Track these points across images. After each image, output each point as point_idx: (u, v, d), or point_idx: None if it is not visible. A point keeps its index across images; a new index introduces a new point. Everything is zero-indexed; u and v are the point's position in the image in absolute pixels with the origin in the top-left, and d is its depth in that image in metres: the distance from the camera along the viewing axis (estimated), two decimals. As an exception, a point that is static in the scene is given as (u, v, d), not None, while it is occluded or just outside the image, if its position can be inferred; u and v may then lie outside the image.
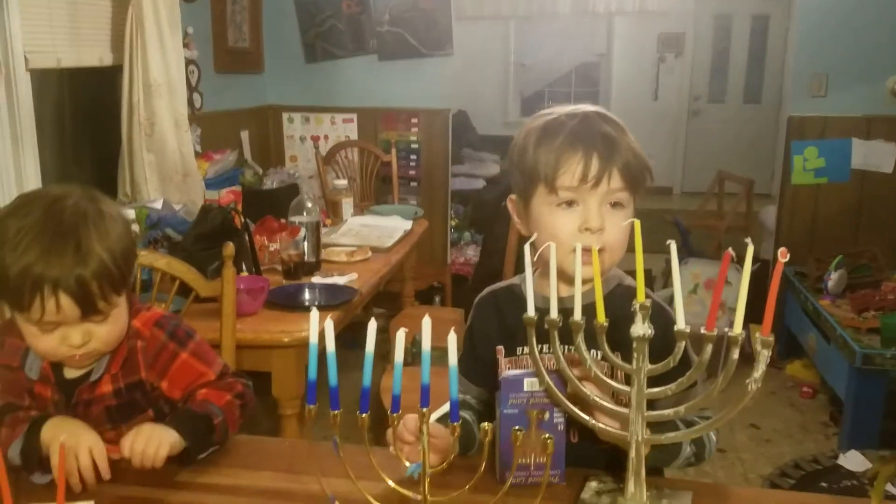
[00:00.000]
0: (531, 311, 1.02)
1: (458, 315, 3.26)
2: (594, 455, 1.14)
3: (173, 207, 2.89)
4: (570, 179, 1.11)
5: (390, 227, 3.24)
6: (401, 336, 0.86)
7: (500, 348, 1.22)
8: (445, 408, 1.14)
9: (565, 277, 1.10)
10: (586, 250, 1.07)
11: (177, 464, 1.13)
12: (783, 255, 0.90)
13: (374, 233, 3.15)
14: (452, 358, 0.86)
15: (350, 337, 1.89)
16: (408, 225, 3.29)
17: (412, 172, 4.57)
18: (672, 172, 8.35)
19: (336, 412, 0.91)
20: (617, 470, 1.12)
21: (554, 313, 1.00)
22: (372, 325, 0.90)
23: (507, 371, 1.12)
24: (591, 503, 1.02)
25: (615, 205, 1.13)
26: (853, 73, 3.97)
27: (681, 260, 4.20)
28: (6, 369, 1.23)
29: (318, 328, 0.90)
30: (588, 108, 1.18)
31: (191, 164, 3.30)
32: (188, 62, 3.48)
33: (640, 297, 0.96)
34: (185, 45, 3.40)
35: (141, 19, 3.05)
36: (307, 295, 2.44)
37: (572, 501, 1.04)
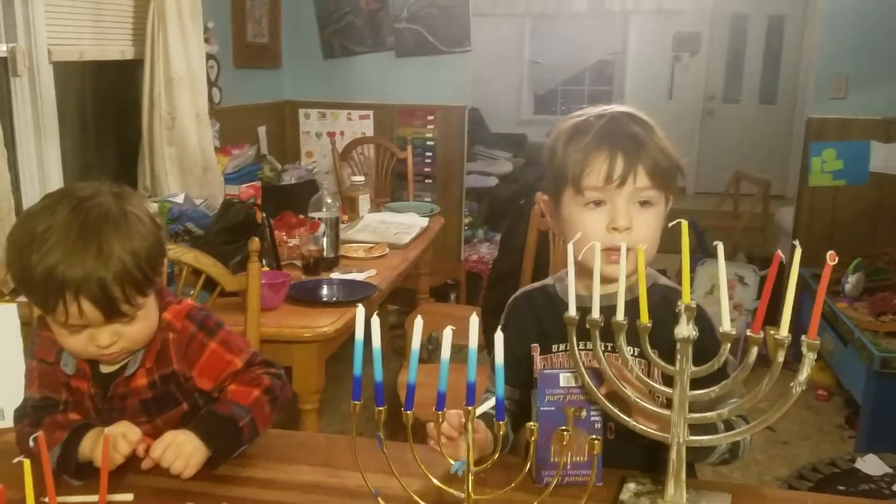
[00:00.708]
0: (572, 311, 1.02)
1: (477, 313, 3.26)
2: (630, 454, 1.14)
3: (194, 202, 2.90)
4: (596, 179, 1.12)
5: (407, 223, 3.25)
6: (448, 334, 0.86)
7: (536, 346, 1.22)
8: (487, 404, 1.14)
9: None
10: (613, 249, 1.08)
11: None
12: (832, 259, 0.90)
13: (391, 229, 3.15)
14: (499, 356, 0.86)
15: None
16: (424, 222, 3.30)
17: (427, 169, 4.57)
18: (686, 172, 8.26)
19: (381, 408, 0.91)
20: (653, 469, 1.12)
21: (596, 313, 1.00)
22: (418, 323, 0.90)
23: (540, 369, 1.12)
24: (630, 504, 1.02)
25: (644, 203, 1.14)
26: (873, 75, 3.95)
27: (697, 260, 4.19)
28: (43, 363, 1.24)
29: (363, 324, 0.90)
30: (617, 108, 1.19)
31: (211, 158, 3.31)
32: (208, 57, 3.49)
33: (686, 298, 0.96)
34: (206, 40, 3.41)
35: (163, 13, 3.05)
36: (327, 290, 2.44)
37: (610, 503, 1.03)
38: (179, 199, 2.81)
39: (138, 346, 1.18)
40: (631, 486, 1.06)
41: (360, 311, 0.90)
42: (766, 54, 8.11)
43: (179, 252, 1.94)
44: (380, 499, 0.94)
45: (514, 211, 4.09)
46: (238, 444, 1.17)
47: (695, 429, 1.04)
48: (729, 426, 1.08)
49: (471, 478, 0.89)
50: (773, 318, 0.95)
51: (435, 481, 0.92)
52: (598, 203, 1.14)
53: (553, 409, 1.04)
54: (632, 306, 0.99)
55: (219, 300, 1.94)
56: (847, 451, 3.17)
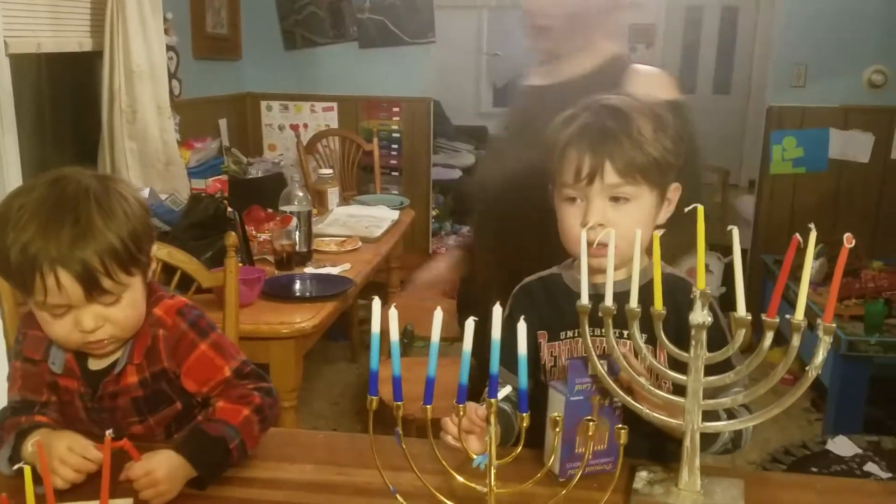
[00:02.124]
0: (584, 300, 1.00)
1: (451, 305, 3.23)
2: (636, 442, 1.13)
3: (159, 197, 2.83)
4: (568, 176, 1.14)
5: (378, 216, 3.22)
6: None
7: (543, 333, 1.21)
8: (505, 391, 1.12)
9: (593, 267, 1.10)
10: (592, 244, 1.08)
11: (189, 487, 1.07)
12: (849, 241, 0.90)
13: (361, 223, 3.12)
14: (522, 347, 0.84)
15: (336, 330, 1.86)
16: (395, 215, 3.27)
17: (393, 162, 4.53)
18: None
19: (399, 403, 0.88)
20: (656, 457, 1.11)
21: (609, 300, 0.99)
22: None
23: (568, 358, 1.10)
24: (644, 493, 1.01)
25: (618, 199, 1.13)
26: (831, 64, 4.03)
27: (662, 249, 4.23)
28: (28, 363, 1.19)
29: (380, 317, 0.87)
30: (606, 100, 1.18)
31: (173, 152, 3.22)
32: (167, 48, 3.39)
33: (700, 284, 0.95)
34: (165, 31, 3.31)
35: (122, 3, 2.96)
36: (301, 285, 2.40)
37: (623, 492, 1.02)
38: (144, 193, 2.73)
39: (125, 333, 1.13)
40: (643, 475, 1.05)
41: (376, 303, 0.87)
42: (720, 45, 8.24)
43: (154, 248, 1.88)
44: (398, 496, 0.91)
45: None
46: (226, 467, 1.11)
47: (703, 417, 1.04)
48: (731, 415, 1.08)
49: (493, 471, 0.87)
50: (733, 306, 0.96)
51: (459, 478, 0.90)
52: (573, 199, 1.16)
53: (582, 398, 1.03)
54: (643, 293, 0.99)
55: (192, 297, 1.89)
56: (815, 434, 3.23)
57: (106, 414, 1.17)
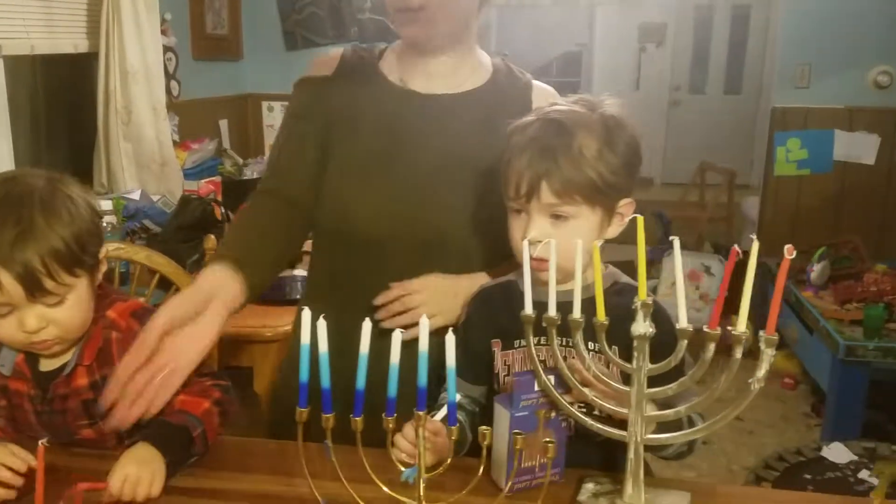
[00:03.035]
0: (528, 309, 0.99)
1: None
2: (589, 452, 1.12)
3: (151, 198, 2.84)
4: (511, 190, 1.13)
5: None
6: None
7: (497, 341, 1.19)
8: (444, 410, 1.11)
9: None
10: (535, 258, 1.07)
11: None
12: (790, 252, 0.88)
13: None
14: (451, 359, 0.83)
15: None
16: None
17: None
18: (652, 163, 8.35)
19: (329, 416, 0.87)
20: (613, 467, 1.10)
21: (552, 311, 0.98)
22: (367, 326, 0.86)
23: (515, 373, 1.09)
24: (589, 505, 1.00)
25: (558, 217, 1.11)
26: (836, 65, 3.97)
27: (662, 252, 4.20)
28: None
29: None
30: (555, 111, 1.15)
31: (169, 153, 3.24)
32: (166, 49, 3.41)
33: (642, 294, 0.93)
34: (163, 32, 3.33)
35: (117, 5, 2.98)
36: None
37: (569, 503, 1.01)
38: (135, 195, 2.75)
39: (70, 334, 1.13)
40: (589, 487, 1.04)
41: (306, 313, 0.86)
42: (731, 44, 8.18)
43: (132, 251, 1.89)
44: (329, 508, 0.91)
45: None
46: (189, 456, 1.12)
47: (657, 426, 1.02)
48: (689, 422, 1.06)
49: (422, 484, 0.86)
50: (739, 308, 0.92)
51: (385, 489, 0.89)
52: (518, 211, 1.14)
53: (526, 413, 1.02)
54: (593, 304, 0.97)
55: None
56: (813, 440, 3.20)
57: (56, 416, 1.16)
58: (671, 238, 0.93)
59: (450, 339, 0.83)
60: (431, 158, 1.31)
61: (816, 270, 3.64)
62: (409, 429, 1.02)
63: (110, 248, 2.05)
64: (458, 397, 1.20)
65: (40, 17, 2.86)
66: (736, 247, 0.91)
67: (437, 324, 1.19)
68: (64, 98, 3.20)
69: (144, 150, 3.13)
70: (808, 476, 2.68)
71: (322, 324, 0.86)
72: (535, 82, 1.42)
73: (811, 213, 4.15)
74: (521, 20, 7.91)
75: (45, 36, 2.88)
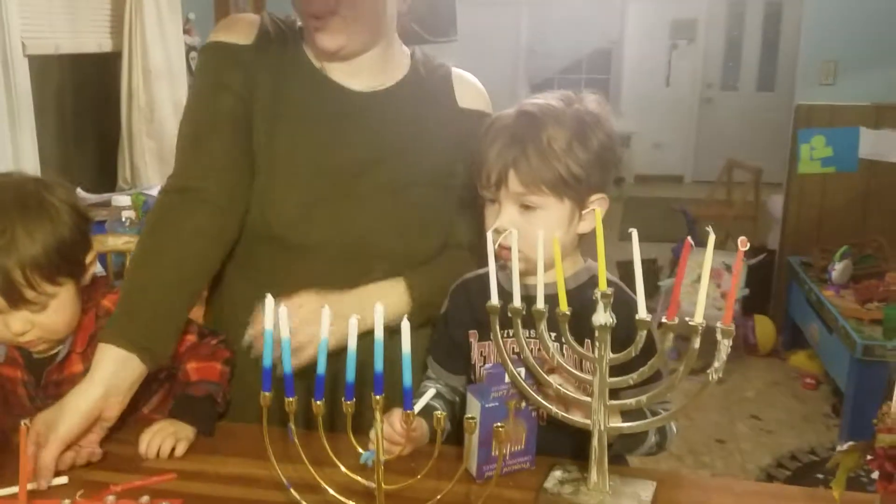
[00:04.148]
0: (494, 300, 1.01)
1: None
2: (563, 441, 1.13)
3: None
4: (482, 178, 1.14)
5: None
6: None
7: (474, 332, 1.21)
8: (426, 397, 1.14)
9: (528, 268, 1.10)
10: (504, 247, 1.08)
11: None
12: (743, 245, 0.89)
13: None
14: (406, 345, 0.85)
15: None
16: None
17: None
18: (683, 160, 8.29)
19: (291, 399, 0.90)
20: (584, 457, 1.11)
21: (517, 301, 1.00)
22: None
23: (487, 366, 1.11)
24: (553, 492, 1.02)
25: (527, 207, 1.12)
26: (862, 61, 3.92)
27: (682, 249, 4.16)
28: None
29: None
30: (529, 103, 1.16)
31: (191, 150, 3.30)
32: (189, 48, 3.48)
33: (602, 285, 0.95)
34: (186, 32, 3.41)
35: (140, 5, 3.05)
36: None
37: (536, 490, 1.03)
38: (154, 191, 2.81)
39: (55, 335, 1.17)
40: (557, 474, 1.06)
41: (269, 299, 0.90)
42: (763, 41, 8.06)
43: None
44: (292, 490, 0.94)
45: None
46: (218, 417, 1.21)
47: (626, 417, 1.04)
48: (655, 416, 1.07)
49: (381, 468, 0.89)
50: (762, 307, 0.91)
51: (343, 469, 0.92)
52: (491, 201, 1.16)
53: (497, 404, 1.04)
54: (571, 297, 0.99)
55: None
56: (832, 440, 3.16)
57: (51, 401, 1.20)
58: (630, 231, 0.94)
59: (405, 326, 0.85)
60: (356, 156, 1.25)
61: (838, 269, 3.60)
62: (393, 420, 1.05)
63: (127, 241, 2.12)
64: (436, 386, 1.23)
65: (65, 17, 2.94)
66: (689, 239, 0.91)
67: (311, 353, 1.09)
68: (88, 96, 3.29)
69: (167, 147, 3.20)
70: (821, 476, 2.66)
71: (283, 310, 0.89)
72: (455, 70, 1.36)
73: (836, 211, 4.10)
74: (551, 17, 7.89)
75: (69, 36, 2.97)
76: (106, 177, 3.19)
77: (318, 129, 1.25)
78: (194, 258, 1.20)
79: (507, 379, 1.05)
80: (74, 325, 1.19)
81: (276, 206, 1.23)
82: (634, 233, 0.94)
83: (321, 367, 0.88)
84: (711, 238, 0.90)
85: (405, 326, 0.85)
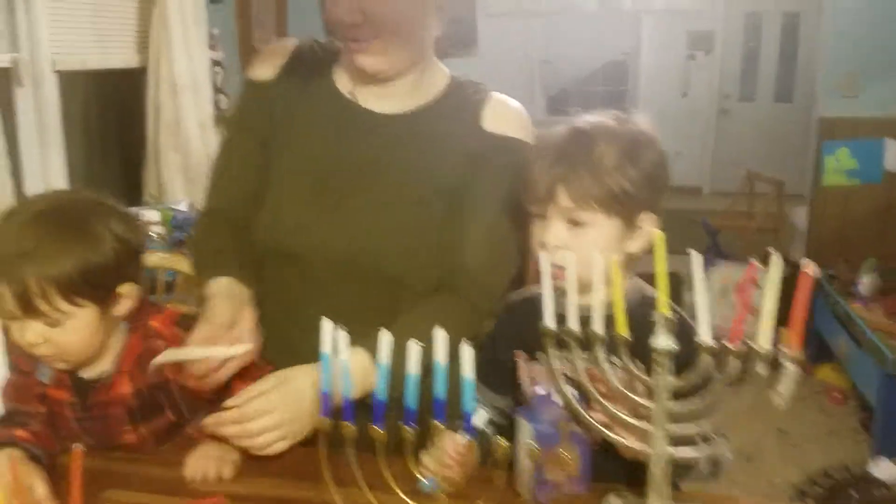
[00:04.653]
0: (548, 321, 0.99)
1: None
2: (615, 466, 1.11)
3: (198, 209, 2.90)
4: (530, 193, 1.14)
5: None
6: (415, 349, 0.84)
7: (520, 353, 1.20)
8: (479, 421, 1.13)
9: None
10: (553, 265, 1.06)
11: None
12: (808, 269, 0.87)
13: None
14: (468, 370, 0.84)
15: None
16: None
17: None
18: (701, 172, 8.25)
19: (348, 423, 0.89)
20: (637, 483, 1.09)
21: (573, 324, 0.98)
22: (386, 337, 0.88)
23: (537, 388, 1.10)
24: (611, 520, 1.00)
25: (575, 224, 1.12)
26: (886, 73, 3.90)
27: (709, 262, 4.14)
28: (20, 374, 1.23)
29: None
30: (580, 121, 1.16)
31: (215, 164, 3.32)
32: (213, 63, 3.50)
33: (663, 308, 0.93)
34: (211, 47, 3.42)
35: (166, 21, 3.07)
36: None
37: (592, 517, 1.01)
38: (183, 206, 2.82)
39: (69, 357, 1.15)
40: (613, 501, 1.04)
41: (327, 323, 0.89)
42: (781, 52, 8.03)
43: (176, 261, 1.95)
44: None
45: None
46: None
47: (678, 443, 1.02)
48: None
49: (444, 495, 0.88)
50: (787, 320, 0.88)
51: (401, 494, 0.91)
52: (538, 217, 1.15)
53: (549, 428, 1.03)
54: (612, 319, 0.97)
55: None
56: (861, 456, 3.12)
57: (97, 422, 1.20)
58: (689, 251, 0.92)
59: (468, 352, 0.84)
60: (371, 179, 1.26)
61: (865, 283, 3.56)
62: (449, 447, 1.03)
63: (157, 257, 2.12)
64: (484, 409, 1.21)
65: (92, 34, 2.96)
66: (754, 261, 0.90)
67: (282, 447, 1.11)
68: (115, 111, 3.31)
69: (192, 162, 3.21)
70: (855, 494, 2.63)
71: (343, 334, 0.88)
72: (494, 95, 1.32)
73: (860, 223, 4.07)
74: (567, 29, 7.90)
75: (96, 52, 2.99)
76: (132, 191, 3.20)
77: (327, 144, 1.28)
78: (241, 245, 1.30)
79: (559, 401, 1.03)
80: (89, 354, 1.17)
81: (289, 220, 1.26)
82: (695, 255, 0.92)
83: (381, 393, 0.87)
84: (777, 262, 0.88)
85: (467, 351, 0.85)
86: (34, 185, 2.74)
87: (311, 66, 1.32)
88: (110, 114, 3.28)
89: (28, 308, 1.08)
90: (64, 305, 1.09)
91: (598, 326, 0.97)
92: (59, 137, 2.81)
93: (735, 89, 8.28)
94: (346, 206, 1.25)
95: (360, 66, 1.22)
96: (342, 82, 1.30)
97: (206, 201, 1.37)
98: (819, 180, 4.11)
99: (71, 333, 1.12)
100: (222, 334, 1.12)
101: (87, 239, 1.11)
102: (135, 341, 1.20)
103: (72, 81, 2.94)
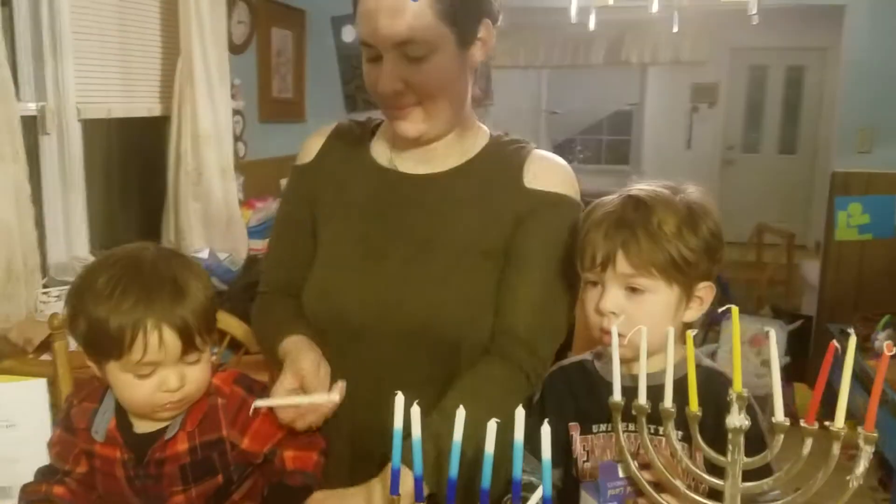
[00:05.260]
0: (617, 396, 0.98)
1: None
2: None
3: (218, 257, 2.90)
4: (586, 260, 1.14)
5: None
6: (492, 427, 0.83)
7: (575, 425, 1.18)
8: (535, 498, 1.10)
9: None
10: (607, 332, 1.08)
11: None
12: (889, 349, 0.86)
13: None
14: (546, 452, 0.83)
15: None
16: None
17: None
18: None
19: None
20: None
21: (642, 398, 0.97)
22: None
23: (602, 462, 1.08)
24: None
25: (634, 290, 1.12)
26: (898, 130, 3.94)
27: (722, 315, 4.12)
28: (67, 431, 1.22)
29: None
30: (636, 189, 1.17)
31: (235, 212, 3.32)
32: (234, 112, 3.52)
33: (737, 386, 0.92)
34: (232, 96, 3.44)
35: (191, 71, 3.09)
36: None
37: None
38: (204, 254, 2.81)
39: (198, 394, 1.17)
40: (678, 579, 1.01)
41: (399, 398, 0.87)
42: (785, 105, 8.13)
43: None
44: None
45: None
46: None
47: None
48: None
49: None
50: (801, 375, 0.89)
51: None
52: (594, 283, 1.15)
53: (615, 502, 1.01)
54: (675, 387, 0.96)
55: (242, 359, 1.92)
56: (882, 516, 3.08)
57: (151, 481, 1.18)
58: (766, 330, 0.92)
59: (545, 430, 0.83)
60: (415, 242, 1.26)
61: (881, 339, 3.55)
62: None
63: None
64: (530, 479, 1.19)
65: (118, 83, 2.98)
66: (835, 343, 0.89)
67: None
68: (136, 159, 3.32)
69: (212, 210, 3.21)
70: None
71: (416, 409, 0.87)
72: (536, 152, 1.30)
73: (874, 278, 4.07)
74: (573, 81, 8.01)
75: (121, 100, 3.01)
76: (151, 238, 3.19)
77: (372, 215, 1.29)
78: (300, 316, 1.32)
79: (621, 474, 1.02)
80: (205, 390, 1.19)
81: (337, 292, 1.27)
82: (772, 333, 0.91)
83: (454, 471, 0.86)
84: (852, 343, 0.88)
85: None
86: (55, 234, 2.74)
87: (349, 142, 1.36)
88: (131, 161, 3.29)
89: (189, 344, 1.11)
90: (207, 337, 1.14)
91: (668, 401, 0.96)
92: (81, 185, 2.81)
93: (739, 141, 8.37)
94: (400, 276, 1.24)
95: (403, 132, 1.24)
96: (380, 154, 1.33)
97: (262, 281, 1.42)
98: (831, 234, 4.12)
99: (204, 370, 1.16)
100: (312, 381, 1.16)
101: (201, 274, 1.17)
102: (202, 398, 1.19)
103: (93, 128, 2.95)
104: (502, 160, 1.29)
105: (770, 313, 4.58)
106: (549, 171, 1.29)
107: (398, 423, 0.88)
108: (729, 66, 8.01)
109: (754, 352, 3.93)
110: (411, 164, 1.30)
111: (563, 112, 8.12)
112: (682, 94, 8.28)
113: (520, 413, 0.84)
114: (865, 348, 3.64)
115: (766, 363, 3.95)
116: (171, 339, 1.09)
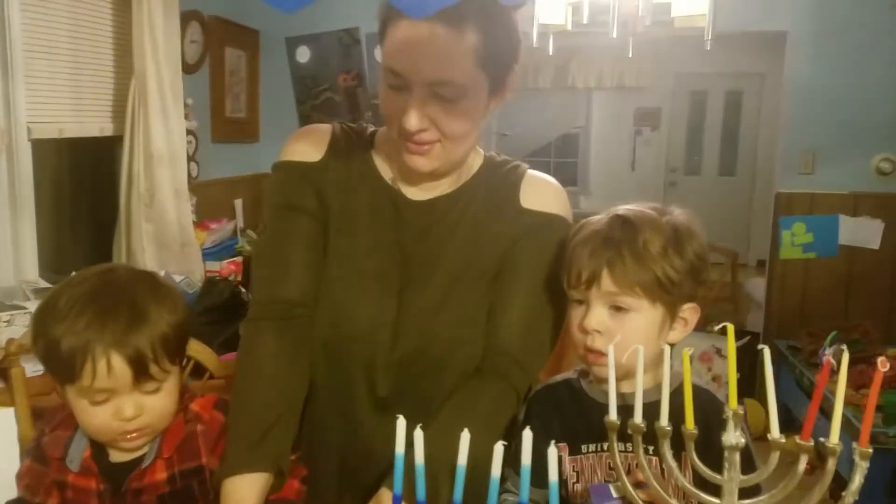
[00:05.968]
0: (613, 415, 0.98)
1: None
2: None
3: (174, 279, 2.84)
4: (572, 278, 1.15)
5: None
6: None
7: (564, 445, 1.18)
8: None
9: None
10: (592, 351, 1.11)
11: None
12: (883, 365, 0.89)
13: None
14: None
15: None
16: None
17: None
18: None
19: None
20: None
21: (638, 417, 0.97)
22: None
23: (593, 483, 1.08)
24: None
25: (618, 309, 1.13)
26: (840, 151, 4.08)
27: (673, 333, 4.20)
28: (38, 462, 1.17)
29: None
30: (622, 209, 1.18)
31: (189, 234, 3.26)
32: (187, 132, 3.46)
33: (733, 404, 0.94)
34: (185, 116, 3.39)
35: (144, 90, 3.03)
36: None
37: None
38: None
39: (160, 424, 1.13)
40: None
41: (401, 422, 0.86)
42: (724, 128, 8.38)
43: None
44: None
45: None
46: None
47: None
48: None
49: None
50: (749, 391, 0.89)
51: None
52: (579, 302, 1.16)
53: None
54: (654, 408, 0.97)
55: (206, 383, 1.87)
56: (834, 528, 3.15)
57: None
58: (760, 347, 0.93)
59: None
60: (426, 271, 1.25)
61: (829, 354, 3.65)
62: None
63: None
64: (516, 501, 1.19)
65: (70, 102, 2.91)
66: (831, 358, 0.91)
67: None
68: (87, 179, 3.23)
69: (166, 232, 3.14)
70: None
71: (419, 432, 0.85)
72: (530, 172, 1.32)
73: (819, 296, 4.19)
74: (522, 104, 8.10)
75: (72, 120, 2.93)
76: (102, 260, 3.11)
77: (380, 236, 1.26)
78: (297, 387, 1.23)
79: (614, 494, 1.02)
80: (173, 416, 1.15)
81: (350, 313, 1.23)
82: (766, 350, 0.93)
83: (458, 494, 0.84)
84: (845, 359, 0.90)
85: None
86: (4, 256, 2.64)
87: (351, 148, 1.29)
88: (81, 182, 3.20)
89: (141, 374, 1.06)
90: (168, 366, 1.10)
91: (664, 420, 0.97)
92: (31, 206, 2.72)
93: (681, 163, 8.58)
94: (409, 304, 1.23)
95: (417, 167, 1.20)
96: (383, 168, 1.29)
97: (255, 304, 1.26)
98: (776, 253, 4.23)
99: (165, 398, 1.12)
100: None
101: (171, 296, 1.13)
102: (177, 424, 1.16)
103: (43, 148, 2.87)
104: (498, 181, 1.30)
105: (715, 330, 4.67)
106: (543, 192, 1.30)
107: (400, 447, 0.86)
108: (671, 90, 8.23)
109: (704, 368, 4.01)
110: (415, 190, 1.27)
111: (512, 134, 8.20)
112: (626, 117, 8.47)
113: (527, 434, 0.84)
114: (813, 363, 3.75)
115: (716, 379, 4.04)
116: (121, 367, 1.05)
